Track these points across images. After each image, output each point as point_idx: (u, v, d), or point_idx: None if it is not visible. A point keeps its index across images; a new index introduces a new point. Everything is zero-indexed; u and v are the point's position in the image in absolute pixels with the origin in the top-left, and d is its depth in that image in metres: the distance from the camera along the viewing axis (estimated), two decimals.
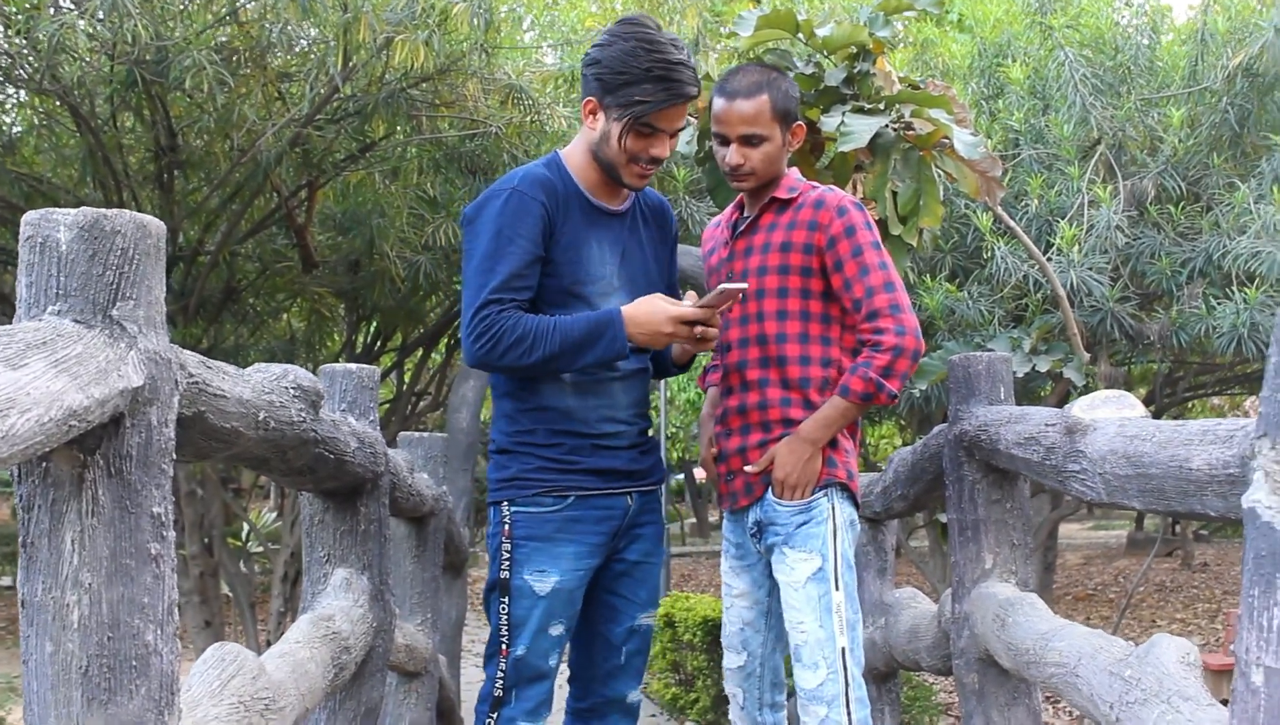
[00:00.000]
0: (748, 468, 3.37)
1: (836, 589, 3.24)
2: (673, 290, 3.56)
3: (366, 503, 3.79)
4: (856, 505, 3.40)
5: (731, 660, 3.58)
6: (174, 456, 1.87)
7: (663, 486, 3.71)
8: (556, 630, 3.40)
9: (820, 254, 3.27)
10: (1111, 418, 2.85)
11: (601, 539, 3.44)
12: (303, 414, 2.99)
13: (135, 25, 4.91)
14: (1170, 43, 7.59)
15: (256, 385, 2.70)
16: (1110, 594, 15.12)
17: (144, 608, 1.77)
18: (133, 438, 1.76)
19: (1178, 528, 18.29)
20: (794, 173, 3.44)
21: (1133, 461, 2.54)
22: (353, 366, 3.90)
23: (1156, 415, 10.84)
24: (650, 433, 3.61)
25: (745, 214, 3.46)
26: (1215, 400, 12.62)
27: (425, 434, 5.76)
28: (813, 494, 3.28)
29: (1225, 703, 1.90)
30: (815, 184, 3.39)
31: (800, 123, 3.40)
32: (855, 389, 3.21)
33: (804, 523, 3.28)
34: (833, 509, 3.29)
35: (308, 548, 3.72)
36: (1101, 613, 13.51)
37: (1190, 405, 12.52)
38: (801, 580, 3.26)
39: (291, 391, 2.96)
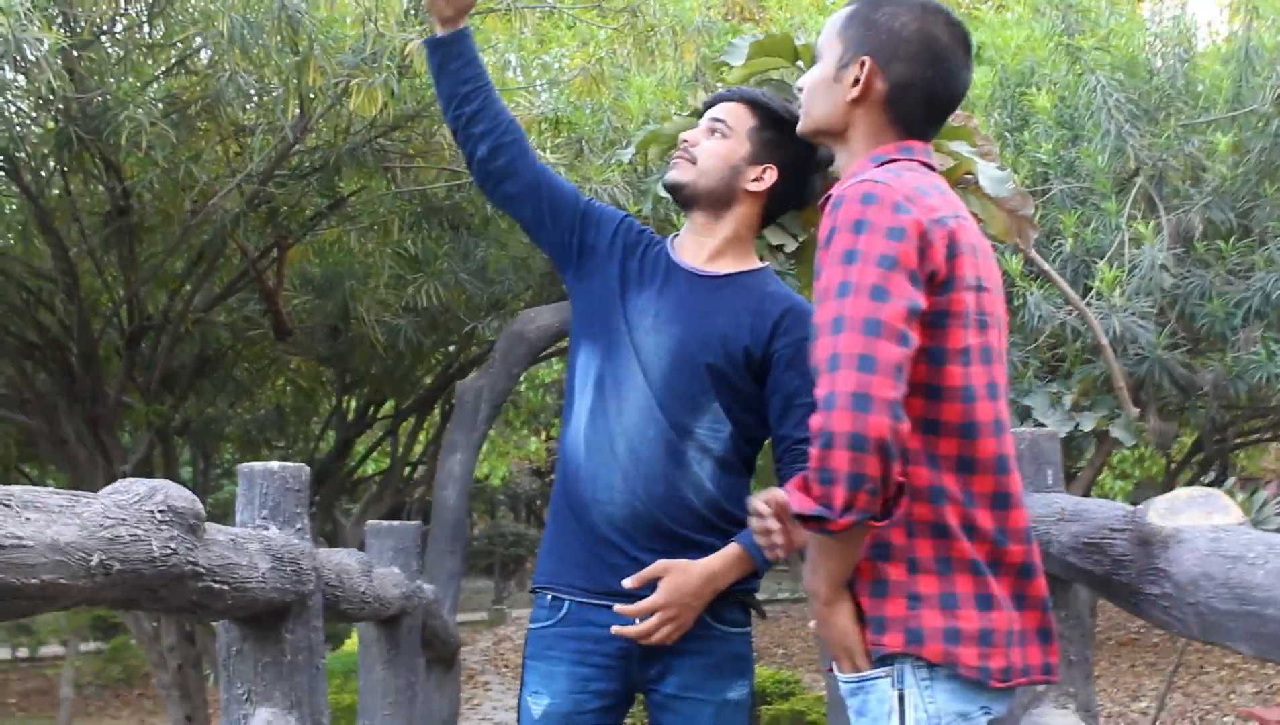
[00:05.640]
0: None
1: None
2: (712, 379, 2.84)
3: (293, 627, 3.21)
4: (977, 683, 2.11)
5: None
6: None
7: (721, 613, 2.85)
8: None
9: None
10: (1200, 526, 2.21)
11: (607, 661, 2.82)
12: (172, 545, 2.41)
13: (48, 77, 4.34)
14: (1209, 63, 6.97)
15: (92, 518, 2.13)
16: (1154, 638, 14.42)
17: None
18: None
19: None
20: (885, 152, 2.26)
21: (1238, 594, 1.90)
22: (274, 465, 3.32)
23: (1205, 465, 10.20)
24: (702, 537, 2.80)
25: None
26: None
27: (395, 523, 5.16)
28: (871, 668, 2.14)
29: None
30: (873, 174, 2.16)
31: None
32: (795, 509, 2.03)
33: (857, 709, 2.18)
34: (900, 697, 2.11)
35: (224, 684, 3.15)
36: (1145, 658, 12.83)
37: (1240, 453, 11.88)
38: None
39: (159, 516, 2.40)
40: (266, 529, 3.21)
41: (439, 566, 6.41)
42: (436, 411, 9.67)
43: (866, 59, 2.21)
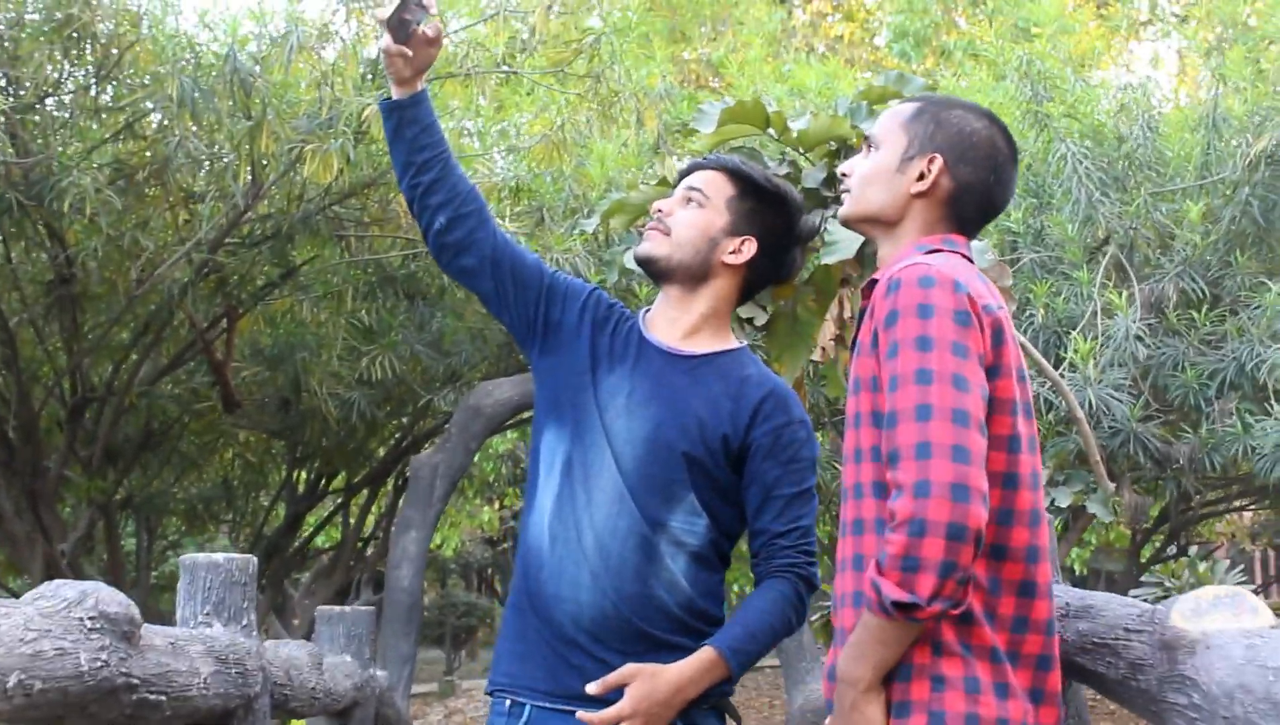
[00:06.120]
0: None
1: None
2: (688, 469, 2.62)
3: None
4: None
5: None
6: None
7: (694, 718, 2.59)
8: None
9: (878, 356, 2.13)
10: (1230, 631, 2.04)
11: None
12: (103, 656, 2.22)
13: None
14: (1176, 130, 6.88)
15: (11, 631, 1.96)
16: (1110, 706, 14.22)
17: None
18: None
19: None
20: (931, 242, 2.28)
21: None
22: (219, 557, 3.12)
23: (1170, 536, 10.05)
24: (676, 638, 2.58)
25: None
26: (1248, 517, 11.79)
27: (347, 609, 4.92)
28: None
29: None
30: (923, 258, 2.16)
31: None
32: (870, 598, 2.00)
33: None
34: None
35: None
36: None
37: (1204, 523, 11.76)
38: None
39: (89, 624, 2.20)
40: (209, 626, 3.00)
41: (392, 650, 6.13)
42: (389, 484, 9.41)
43: (938, 156, 2.27)
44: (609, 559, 2.56)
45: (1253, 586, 13.02)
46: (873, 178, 2.32)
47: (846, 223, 2.39)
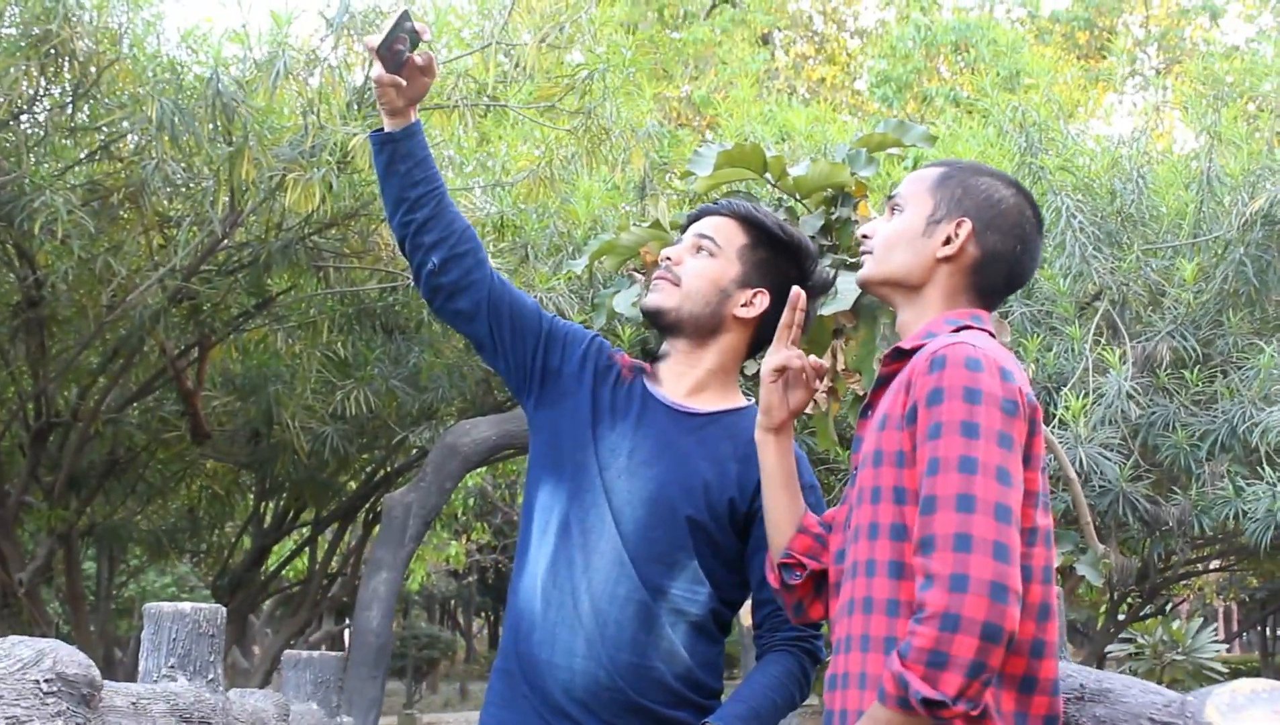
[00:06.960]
0: None
1: None
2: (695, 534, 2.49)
3: None
4: None
5: None
6: None
7: None
8: None
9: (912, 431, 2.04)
10: None
11: None
12: (59, 724, 2.04)
13: None
14: (1170, 186, 6.80)
15: None
16: None
17: None
18: None
19: None
20: (959, 317, 2.17)
21: None
22: (186, 607, 2.96)
23: (1149, 595, 9.95)
24: (671, 712, 2.44)
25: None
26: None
27: (315, 654, 4.76)
28: None
29: None
30: (965, 338, 2.06)
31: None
32: (888, 690, 1.88)
33: None
34: None
35: None
36: None
37: (1184, 583, 11.69)
38: None
39: (45, 688, 2.05)
40: (174, 679, 2.84)
41: (359, 694, 5.94)
42: (360, 519, 9.23)
43: (966, 221, 2.21)
44: (605, 626, 2.42)
45: (1221, 640, 12.94)
46: (897, 240, 2.24)
47: (866, 285, 2.30)
